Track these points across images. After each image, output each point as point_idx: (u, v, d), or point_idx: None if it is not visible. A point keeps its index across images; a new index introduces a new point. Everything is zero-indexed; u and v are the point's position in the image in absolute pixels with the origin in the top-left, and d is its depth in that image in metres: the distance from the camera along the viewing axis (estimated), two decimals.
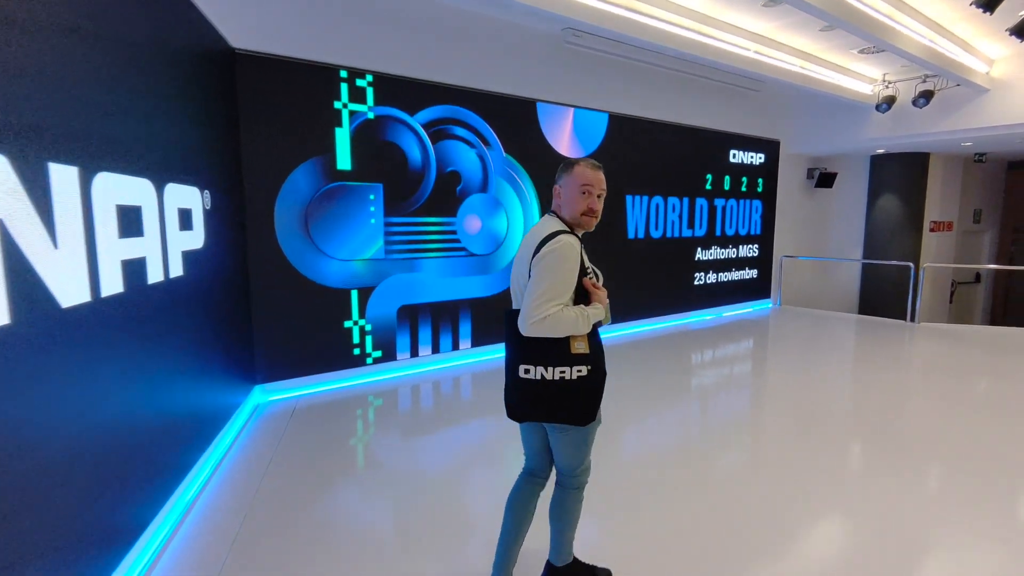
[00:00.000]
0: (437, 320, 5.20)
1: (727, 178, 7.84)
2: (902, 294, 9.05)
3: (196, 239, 3.01)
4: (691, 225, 7.43)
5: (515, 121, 5.54)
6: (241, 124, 4.05)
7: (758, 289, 8.70)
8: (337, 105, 4.47)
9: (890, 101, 7.39)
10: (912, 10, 5.16)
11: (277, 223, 4.27)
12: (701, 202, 7.51)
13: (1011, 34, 4.40)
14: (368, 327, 4.79)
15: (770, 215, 8.67)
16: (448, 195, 5.14)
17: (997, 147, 8.52)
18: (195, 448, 2.97)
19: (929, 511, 2.72)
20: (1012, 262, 10.72)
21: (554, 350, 1.72)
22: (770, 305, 8.95)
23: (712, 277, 7.84)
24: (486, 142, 5.34)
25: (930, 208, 9.35)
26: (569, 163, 1.87)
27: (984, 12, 3.88)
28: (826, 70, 6.91)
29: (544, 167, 5.79)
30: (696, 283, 7.63)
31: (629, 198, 6.64)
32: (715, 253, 7.83)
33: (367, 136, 4.63)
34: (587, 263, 1.84)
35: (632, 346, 6.23)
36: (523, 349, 1.76)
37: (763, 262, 8.71)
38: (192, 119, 3.06)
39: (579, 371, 1.74)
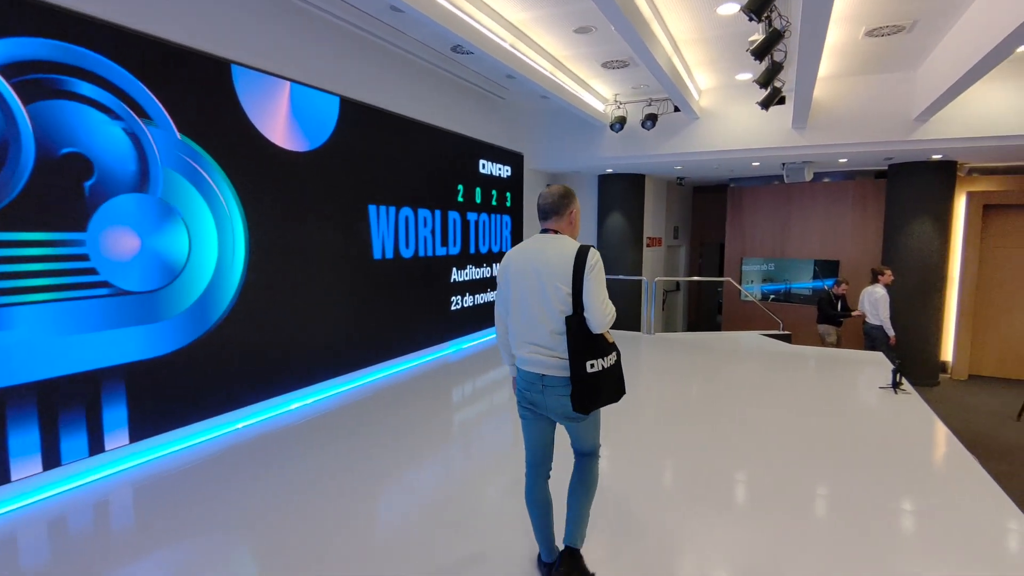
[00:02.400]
0: (52, 411, 3.00)
1: (478, 190, 7.07)
2: (631, 306, 9.63)
3: None
4: (445, 242, 6.41)
5: (197, 88, 3.67)
6: None
7: None
8: None
9: (622, 121, 7.58)
10: (661, 21, 5.01)
11: None
12: (454, 216, 6.55)
13: (753, 56, 4.43)
14: None
15: (518, 231, 8.26)
16: (67, 193, 3.02)
17: (696, 171, 9.68)
18: None
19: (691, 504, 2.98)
20: (700, 273, 12.65)
21: (602, 343, 2.04)
22: None
23: (469, 300, 6.96)
24: (143, 113, 3.35)
25: (646, 225, 10.20)
26: (571, 191, 2.26)
27: (751, 20, 3.68)
28: (570, 81, 6.65)
29: (250, 160, 4.02)
30: (453, 308, 6.63)
31: (373, 209, 5.25)
32: (471, 273, 6.97)
33: None
34: None
35: (389, 391, 4.86)
36: (588, 347, 2.00)
37: None
38: None
39: (614, 356, 2.09)
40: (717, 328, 11.84)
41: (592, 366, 1.97)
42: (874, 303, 7.16)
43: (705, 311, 13.07)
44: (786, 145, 7.08)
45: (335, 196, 4.80)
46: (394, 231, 5.54)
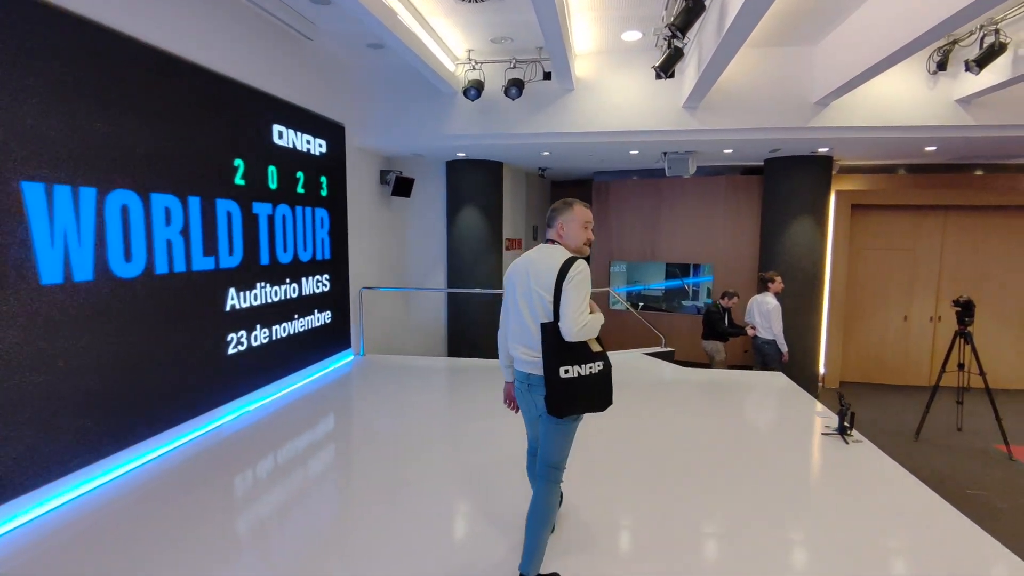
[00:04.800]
0: None
1: (272, 170, 4.76)
2: (490, 328, 7.91)
3: None
4: (212, 248, 4.02)
5: None
6: None
7: (334, 338, 5.95)
8: None
9: (479, 87, 5.77)
10: None
11: None
12: (227, 206, 4.19)
13: None
14: None
15: (341, 231, 6.05)
16: None
17: (564, 159, 8.20)
18: None
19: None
20: None
21: (582, 351, 2.11)
22: (352, 357, 6.36)
23: (262, 335, 4.62)
24: None
25: (505, 224, 8.57)
26: (568, 203, 2.32)
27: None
28: (410, 16, 4.66)
29: None
30: (232, 350, 4.26)
31: (36, 191, 2.76)
32: (264, 294, 4.64)
33: None
34: None
35: (132, 496, 2.48)
36: (562, 354, 2.09)
37: (338, 298, 6.01)
38: None
39: (598, 365, 2.14)
40: None
41: (566, 372, 2.07)
42: (765, 315, 6.24)
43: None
44: (679, 128, 5.82)
45: None
46: (95, 232, 3.08)
